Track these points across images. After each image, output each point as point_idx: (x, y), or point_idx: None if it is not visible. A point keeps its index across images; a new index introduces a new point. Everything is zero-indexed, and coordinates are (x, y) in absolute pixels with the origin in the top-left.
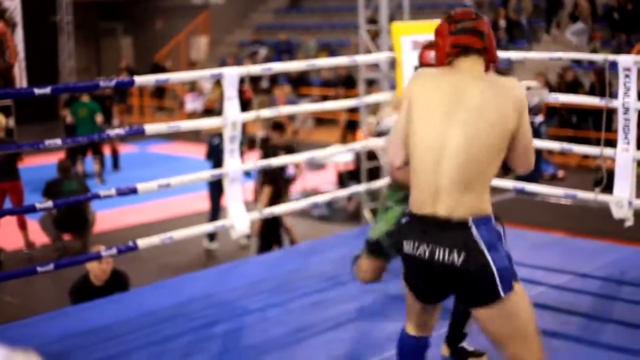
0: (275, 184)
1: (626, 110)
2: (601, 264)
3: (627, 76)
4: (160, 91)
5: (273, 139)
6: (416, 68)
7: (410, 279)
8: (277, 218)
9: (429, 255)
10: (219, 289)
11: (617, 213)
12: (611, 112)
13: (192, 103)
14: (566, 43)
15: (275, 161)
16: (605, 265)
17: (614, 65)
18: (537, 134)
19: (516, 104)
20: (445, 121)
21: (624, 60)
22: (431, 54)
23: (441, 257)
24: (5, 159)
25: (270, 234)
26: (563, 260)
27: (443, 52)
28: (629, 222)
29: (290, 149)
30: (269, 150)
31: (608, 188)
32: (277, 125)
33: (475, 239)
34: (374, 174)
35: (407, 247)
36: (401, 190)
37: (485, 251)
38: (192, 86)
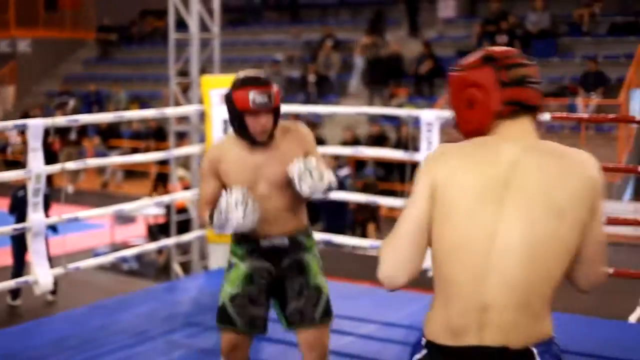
0: None
1: None
2: (407, 313)
3: (429, 130)
4: None
5: None
6: (231, 111)
7: None
8: None
9: None
10: (22, 348)
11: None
12: (415, 165)
13: None
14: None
15: None
16: (411, 314)
17: (417, 120)
18: (342, 186)
19: (592, 184)
20: (498, 212)
21: (426, 115)
22: (251, 96)
23: None
24: None
25: None
26: (370, 310)
27: (487, 112)
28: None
29: None
30: None
31: None
32: None
33: None
34: (184, 226)
35: None
36: (246, 243)
37: None
38: None
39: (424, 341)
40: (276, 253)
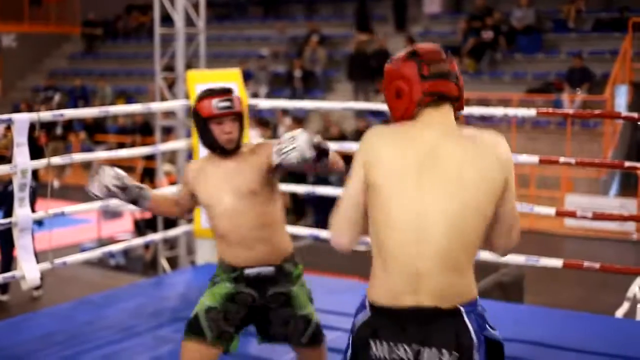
0: None
1: None
2: None
3: None
4: None
5: None
6: (197, 122)
7: None
8: None
9: (413, 359)
10: (9, 343)
11: None
12: None
13: None
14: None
15: None
16: None
17: None
18: (328, 181)
19: (501, 163)
20: (421, 188)
21: None
22: (214, 103)
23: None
24: None
25: None
26: (357, 304)
27: (411, 101)
28: None
29: None
30: None
31: None
32: None
33: (470, 333)
34: (171, 221)
35: (377, 350)
36: (232, 272)
37: (475, 352)
38: None
39: (367, 303)
40: (262, 282)
